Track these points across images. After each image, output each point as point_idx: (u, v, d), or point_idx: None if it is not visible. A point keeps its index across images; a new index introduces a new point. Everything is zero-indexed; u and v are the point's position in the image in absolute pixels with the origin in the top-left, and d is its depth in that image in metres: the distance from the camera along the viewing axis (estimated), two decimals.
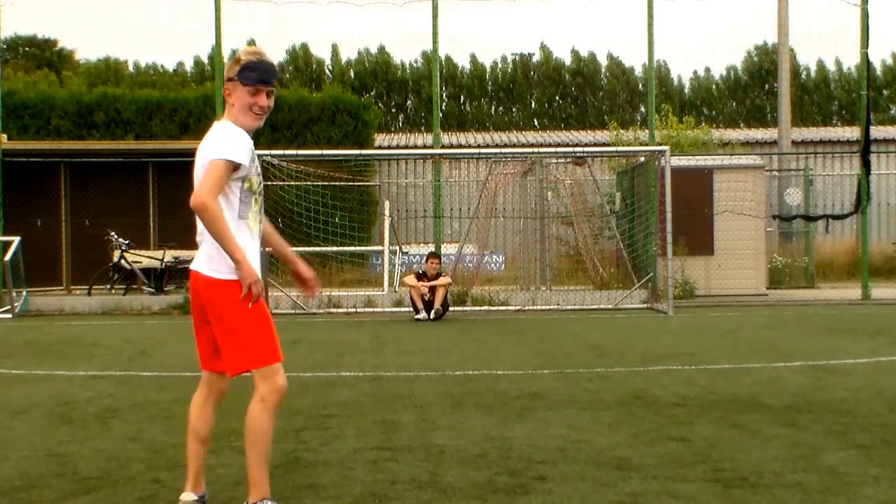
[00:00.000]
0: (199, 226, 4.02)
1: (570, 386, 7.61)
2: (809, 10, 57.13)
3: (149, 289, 18.22)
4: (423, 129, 38.68)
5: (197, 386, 4.24)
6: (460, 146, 31.47)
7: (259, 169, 4.15)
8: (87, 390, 7.71)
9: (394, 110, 44.12)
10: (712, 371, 8.32)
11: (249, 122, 4.07)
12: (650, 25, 17.74)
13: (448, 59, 43.13)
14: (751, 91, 44.02)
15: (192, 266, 4.12)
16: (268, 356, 3.99)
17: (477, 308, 16.71)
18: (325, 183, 18.94)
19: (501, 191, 19.72)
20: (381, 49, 43.50)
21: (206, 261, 4.03)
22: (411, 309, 15.23)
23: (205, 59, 41.12)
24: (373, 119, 27.31)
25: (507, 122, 43.57)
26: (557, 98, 45.34)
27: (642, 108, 41.58)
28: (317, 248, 19.15)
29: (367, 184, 23.06)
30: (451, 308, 15.35)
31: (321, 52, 43.87)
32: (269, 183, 17.50)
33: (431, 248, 18.00)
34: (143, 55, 75.66)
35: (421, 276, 15.13)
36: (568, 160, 19.44)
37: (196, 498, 4.15)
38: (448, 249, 19.29)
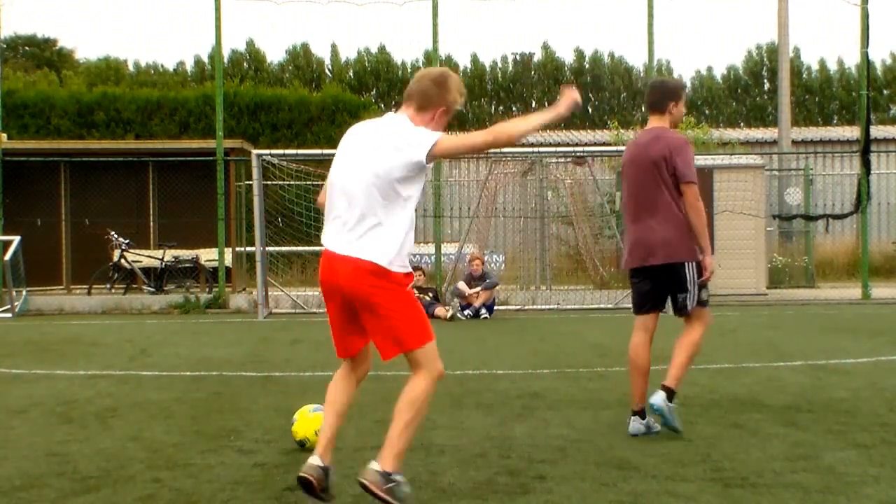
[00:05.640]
0: (376, 213, 4.18)
1: (570, 386, 7.60)
2: (810, 9, 57.15)
3: (149, 288, 18.21)
4: None
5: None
6: None
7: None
8: (87, 390, 7.71)
9: (394, 110, 44.05)
10: (712, 371, 8.31)
11: None
12: (650, 25, 17.74)
13: (448, 58, 43.10)
14: (752, 90, 43.99)
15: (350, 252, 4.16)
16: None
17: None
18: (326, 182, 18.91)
19: (501, 190, 19.71)
20: (382, 49, 43.49)
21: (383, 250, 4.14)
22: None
23: (205, 59, 41.09)
24: None
25: None
26: (558, 97, 45.19)
27: (643, 108, 41.50)
28: (317, 248, 19.10)
29: None
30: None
31: (321, 51, 43.85)
32: (269, 182, 17.50)
33: (432, 247, 17.97)
34: (143, 55, 75.67)
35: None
36: (568, 160, 19.42)
37: (321, 465, 4.30)
38: (448, 249, 19.27)
